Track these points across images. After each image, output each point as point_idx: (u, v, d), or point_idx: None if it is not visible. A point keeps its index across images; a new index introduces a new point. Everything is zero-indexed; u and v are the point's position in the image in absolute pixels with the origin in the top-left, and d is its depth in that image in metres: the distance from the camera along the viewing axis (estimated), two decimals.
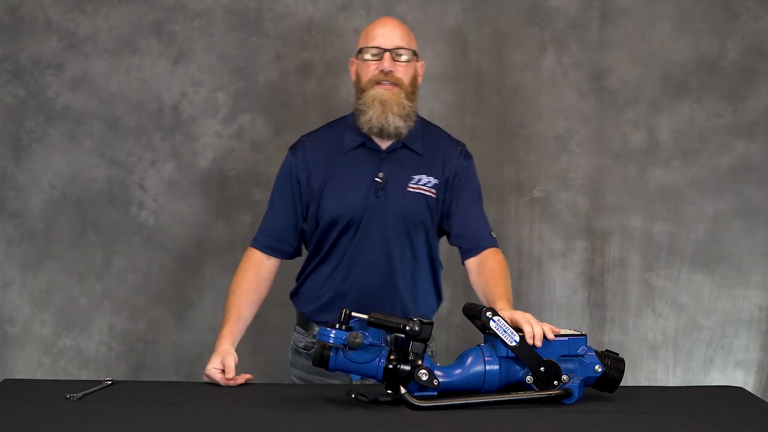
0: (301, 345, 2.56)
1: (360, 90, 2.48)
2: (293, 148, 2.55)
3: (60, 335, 3.26)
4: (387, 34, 2.46)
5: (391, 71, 2.43)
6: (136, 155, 3.25)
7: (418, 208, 2.47)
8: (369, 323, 2.01)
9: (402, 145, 2.49)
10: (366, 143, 2.48)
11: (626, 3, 3.28)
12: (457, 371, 2.04)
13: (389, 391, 2.02)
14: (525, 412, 1.97)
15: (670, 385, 3.22)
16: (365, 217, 2.45)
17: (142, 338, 3.27)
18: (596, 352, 2.08)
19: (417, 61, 2.51)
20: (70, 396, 2.06)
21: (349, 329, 1.99)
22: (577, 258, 3.31)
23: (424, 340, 2.01)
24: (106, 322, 3.26)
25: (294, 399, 2.09)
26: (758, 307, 3.30)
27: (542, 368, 2.04)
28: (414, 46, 2.50)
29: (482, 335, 2.12)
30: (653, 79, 3.29)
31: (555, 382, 2.04)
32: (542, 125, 3.29)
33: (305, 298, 2.55)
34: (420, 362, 2.00)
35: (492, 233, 2.50)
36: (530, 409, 1.99)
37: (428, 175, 2.48)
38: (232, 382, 2.24)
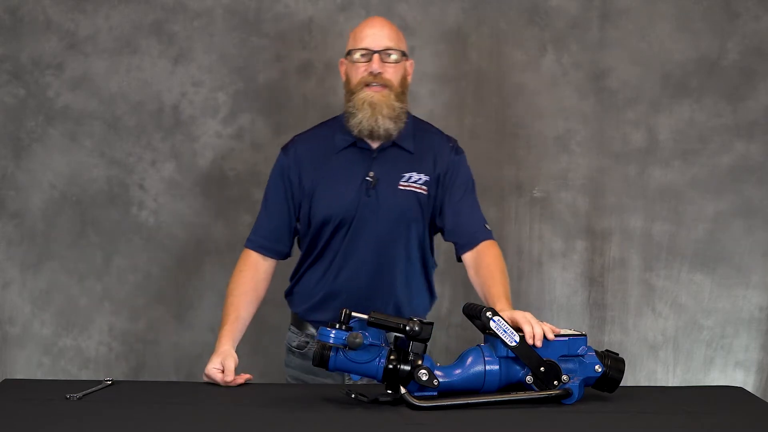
0: (294, 344, 2.57)
1: (350, 92, 2.48)
2: (285, 148, 2.55)
3: (60, 335, 3.26)
4: (375, 35, 2.46)
5: (380, 73, 2.43)
6: (136, 155, 3.25)
7: (410, 206, 2.47)
8: (369, 323, 2.01)
9: (393, 143, 2.49)
10: (357, 143, 2.49)
11: (626, 3, 3.28)
12: (457, 371, 2.04)
13: (389, 391, 2.02)
14: (525, 412, 1.97)
15: (670, 385, 3.22)
16: (356, 216, 2.45)
17: (142, 338, 3.27)
18: (596, 352, 2.08)
19: (406, 60, 2.51)
20: (70, 396, 2.06)
21: (349, 329, 1.99)
22: (577, 258, 3.31)
23: (424, 340, 2.01)
24: (106, 322, 3.26)
25: (294, 399, 2.09)
26: (758, 307, 3.30)
27: (542, 368, 2.04)
28: (403, 46, 2.50)
29: (482, 335, 2.12)
30: (653, 79, 3.29)
31: (555, 382, 2.04)
32: (542, 125, 3.29)
33: (299, 298, 2.56)
34: (420, 362, 2.00)
35: (486, 225, 2.49)
36: (530, 409, 1.99)
37: (419, 173, 2.48)
38: (231, 383, 2.25)
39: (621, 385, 2.09)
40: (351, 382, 2.33)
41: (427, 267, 2.55)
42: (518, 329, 2.05)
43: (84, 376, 3.24)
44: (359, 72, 2.45)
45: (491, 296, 2.32)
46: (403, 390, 2.00)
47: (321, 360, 2.02)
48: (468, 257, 2.45)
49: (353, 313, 2.01)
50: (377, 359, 2.01)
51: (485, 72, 3.29)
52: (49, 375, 3.24)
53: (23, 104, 3.23)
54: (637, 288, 3.31)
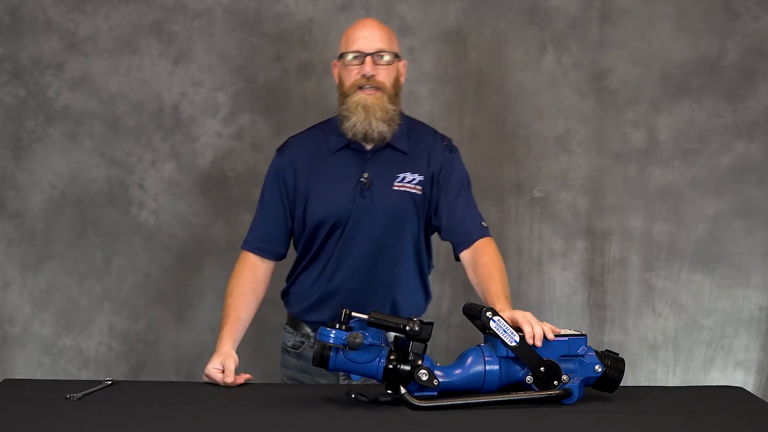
0: (290, 344, 2.57)
1: (343, 94, 2.47)
2: (280, 150, 2.56)
3: (60, 335, 3.26)
4: (367, 37, 2.45)
5: (373, 75, 2.43)
6: (136, 155, 3.25)
7: (404, 207, 2.46)
8: (369, 323, 2.02)
9: (387, 144, 2.49)
10: (351, 144, 2.48)
11: (626, 3, 3.28)
12: (457, 371, 2.04)
13: (389, 391, 2.02)
14: (525, 412, 1.97)
15: (670, 385, 3.22)
16: (351, 217, 2.45)
17: (142, 338, 3.27)
18: (596, 352, 2.08)
19: (399, 61, 2.51)
20: (70, 396, 2.06)
21: (349, 329, 1.99)
22: (577, 258, 3.31)
23: (424, 340, 2.01)
24: (106, 322, 3.26)
25: (294, 399, 2.09)
26: (758, 307, 3.30)
27: (542, 368, 2.04)
28: (395, 47, 2.49)
29: (482, 335, 2.12)
30: (653, 79, 3.29)
31: (555, 382, 2.04)
32: (542, 125, 3.29)
33: (295, 299, 2.56)
34: (420, 362, 2.00)
35: (483, 223, 2.48)
36: (530, 409, 1.99)
37: (413, 173, 2.48)
38: (231, 383, 2.24)
39: (621, 385, 2.09)
40: (345, 382, 2.34)
41: (422, 267, 2.55)
42: (518, 329, 2.05)
43: (84, 376, 3.24)
44: (352, 75, 2.45)
45: (490, 295, 2.32)
46: (403, 390, 2.00)
47: (321, 360, 2.02)
48: (465, 256, 2.45)
49: (353, 313, 2.01)
50: (377, 359, 2.01)
51: (485, 72, 3.29)
52: (49, 375, 3.24)
53: (23, 104, 3.23)
54: (637, 288, 3.31)
